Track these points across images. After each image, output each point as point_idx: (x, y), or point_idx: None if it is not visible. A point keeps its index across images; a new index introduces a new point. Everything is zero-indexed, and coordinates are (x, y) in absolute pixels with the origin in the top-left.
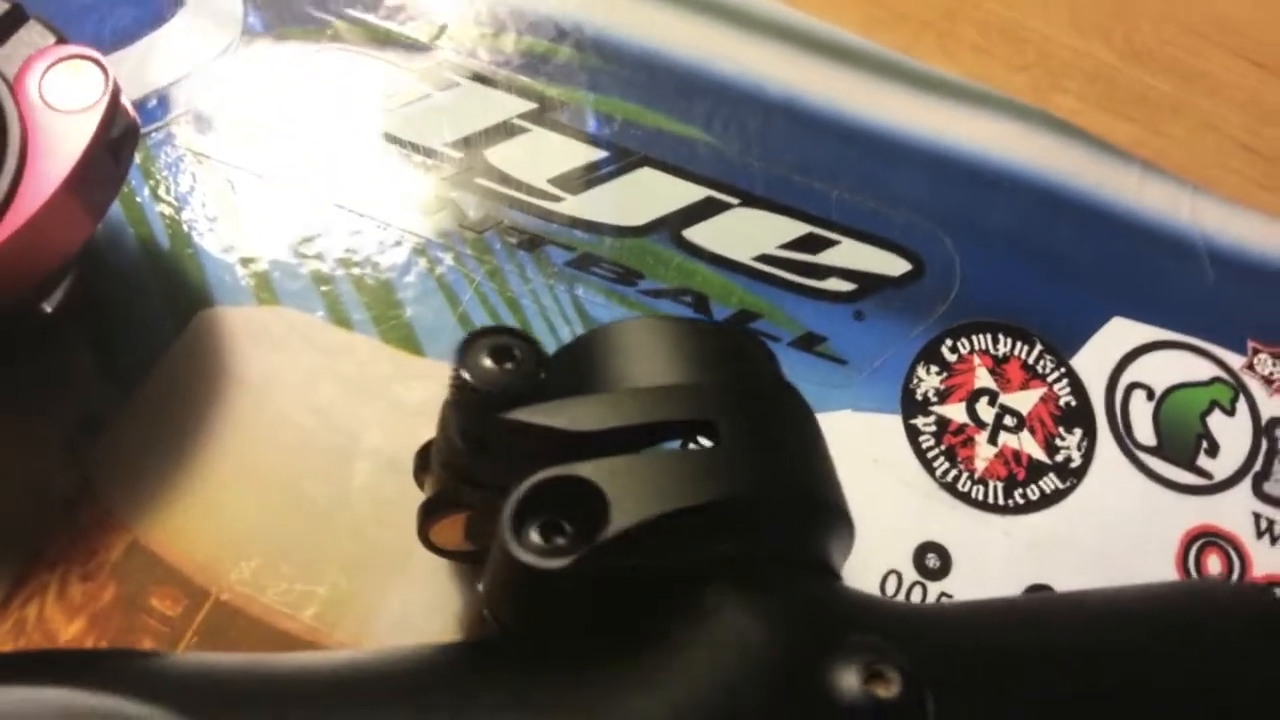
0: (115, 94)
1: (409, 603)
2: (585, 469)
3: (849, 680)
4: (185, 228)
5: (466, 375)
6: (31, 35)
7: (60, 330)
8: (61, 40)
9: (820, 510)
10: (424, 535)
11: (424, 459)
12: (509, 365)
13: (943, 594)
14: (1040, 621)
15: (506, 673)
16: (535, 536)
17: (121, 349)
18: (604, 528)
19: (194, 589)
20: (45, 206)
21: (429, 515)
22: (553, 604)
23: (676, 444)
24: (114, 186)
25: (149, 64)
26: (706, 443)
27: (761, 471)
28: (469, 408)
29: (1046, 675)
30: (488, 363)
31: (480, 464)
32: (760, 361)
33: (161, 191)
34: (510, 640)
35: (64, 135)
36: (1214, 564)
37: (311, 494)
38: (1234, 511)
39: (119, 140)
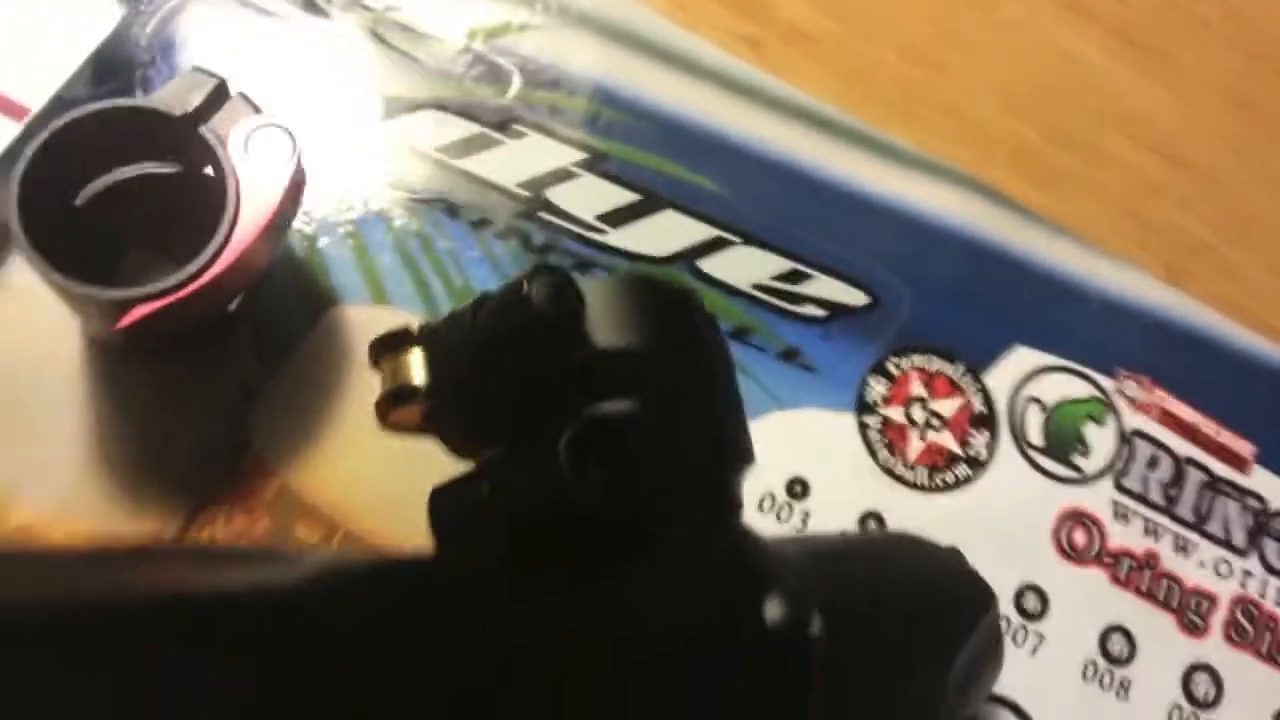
0: (300, 156)
1: None
2: (614, 414)
3: (778, 609)
4: (315, 240)
5: (532, 295)
6: (236, 107)
7: (231, 323)
8: (257, 111)
9: (743, 457)
10: (384, 417)
11: (383, 347)
12: (558, 300)
13: None
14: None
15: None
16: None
17: (270, 336)
18: (635, 477)
19: (328, 522)
20: (253, 243)
21: (399, 401)
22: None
23: None
24: (291, 221)
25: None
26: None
27: (721, 426)
28: (516, 325)
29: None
30: (546, 295)
31: (479, 373)
32: (702, 318)
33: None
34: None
35: (263, 187)
36: (1080, 537)
37: (415, 451)
38: (1097, 499)
39: (297, 188)
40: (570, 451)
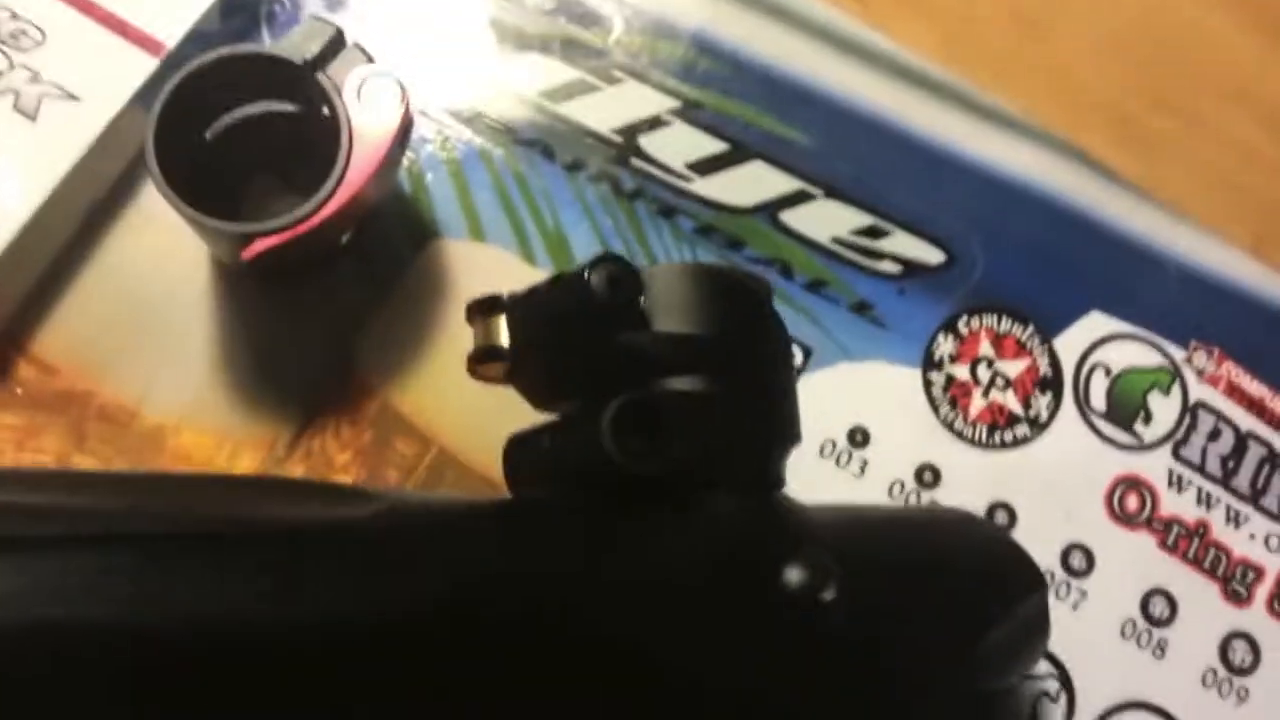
0: (407, 103)
1: None
2: (660, 392)
3: (796, 574)
4: (422, 177)
5: (592, 282)
6: (350, 56)
7: (342, 254)
8: (370, 60)
9: (788, 437)
10: (472, 370)
11: (477, 308)
12: (616, 289)
13: (933, 500)
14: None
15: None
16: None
17: (377, 267)
18: (671, 450)
19: (424, 438)
20: (363, 184)
21: (481, 360)
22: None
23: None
24: (399, 162)
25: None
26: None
27: (767, 406)
28: (577, 308)
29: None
30: (605, 283)
31: (549, 348)
32: (761, 306)
33: None
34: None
35: (374, 131)
36: (1132, 502)
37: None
38: (1155, 466)
39: (404, 132)
40: (612, 425)
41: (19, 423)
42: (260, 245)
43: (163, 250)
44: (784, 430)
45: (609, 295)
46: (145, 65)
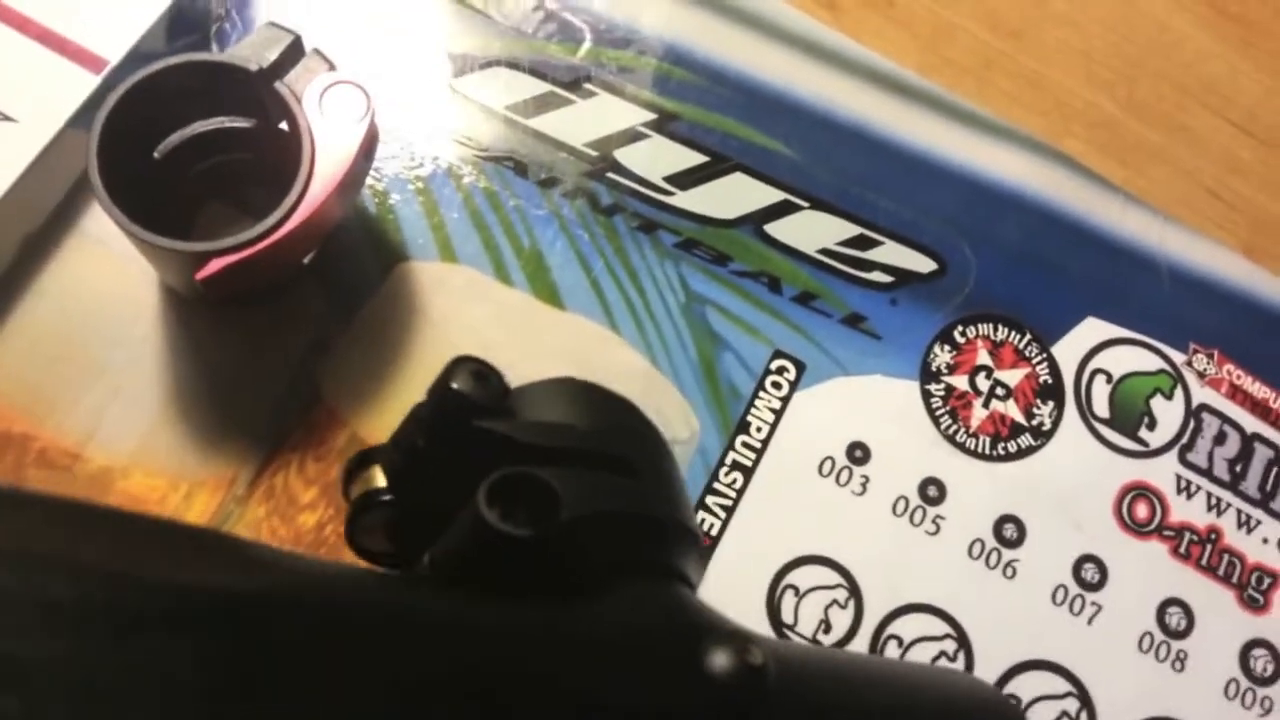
0: (373, 112)
1: None
2: (543, 473)
3: (722, 656)
4: (386, 196)
5: (455, 384)
6: (311, 63)
7: (303, 276)
8: (332, 68)
9: (689, 535)
10: (351, 535)
11: (351, 472)
12: (483, 385)
13: (938, 516)
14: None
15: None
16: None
17: (342, 290)
18: (556, 515)
19: None
20: (327, 199)
21: (362, 513)
22: (500, 568)
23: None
24: (364, 177)
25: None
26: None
27: (663, 503)
28: (448, 413)
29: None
30: (470, 381)
31: (430, 469)
32: (638, 418)
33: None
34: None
35: (337, 143)
36: (1141, 510)
37: None
38: (1162, 472)
39: (370, 144)
40: (488, 494)
41: None
42: (216, 265)
43: (107, 280)
44: (683, 527)
45: (476, 390)
46: (86, 83)
